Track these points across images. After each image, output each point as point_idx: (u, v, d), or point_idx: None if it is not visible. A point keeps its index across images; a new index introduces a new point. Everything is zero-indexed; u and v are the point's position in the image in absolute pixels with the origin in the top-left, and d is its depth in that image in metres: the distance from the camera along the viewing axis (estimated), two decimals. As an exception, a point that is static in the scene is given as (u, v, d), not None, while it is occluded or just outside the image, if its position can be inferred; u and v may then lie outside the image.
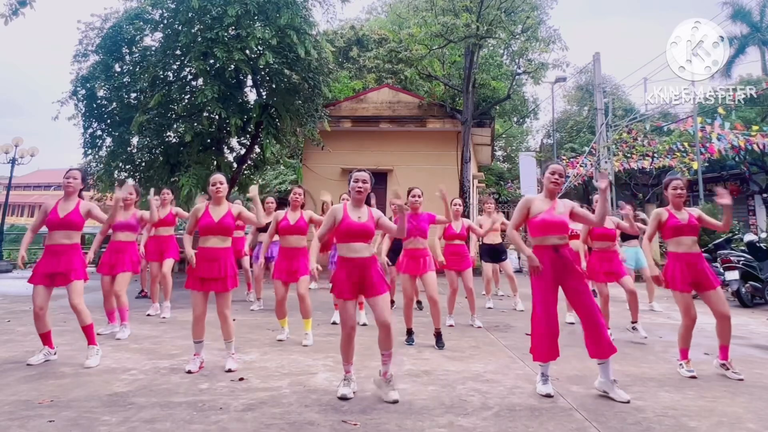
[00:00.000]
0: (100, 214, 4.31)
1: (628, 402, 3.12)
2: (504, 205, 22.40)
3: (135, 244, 5.41)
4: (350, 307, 3.26)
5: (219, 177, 4.08)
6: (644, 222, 5.91)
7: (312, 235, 5.66)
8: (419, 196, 5.00)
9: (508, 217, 8.26)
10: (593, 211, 5.02)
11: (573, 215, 3.53)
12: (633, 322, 5.14)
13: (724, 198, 3.69)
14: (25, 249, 4.16)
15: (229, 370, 3.73)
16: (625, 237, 6.35)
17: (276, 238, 5.15)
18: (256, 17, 9.93)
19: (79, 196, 4.19)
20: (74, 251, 4.03)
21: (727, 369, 3.76)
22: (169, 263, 6.26)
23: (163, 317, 6.09)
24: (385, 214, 3.59)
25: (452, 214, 5.79)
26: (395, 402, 3.08)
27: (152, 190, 5.45)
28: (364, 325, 5.72)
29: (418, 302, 7.07)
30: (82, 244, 4.23)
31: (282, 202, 6.96)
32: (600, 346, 3.22)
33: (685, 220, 3.92)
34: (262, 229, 6.83)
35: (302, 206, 5.07)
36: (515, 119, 27.75)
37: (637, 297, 5.12)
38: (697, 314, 3.82)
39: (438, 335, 4.81)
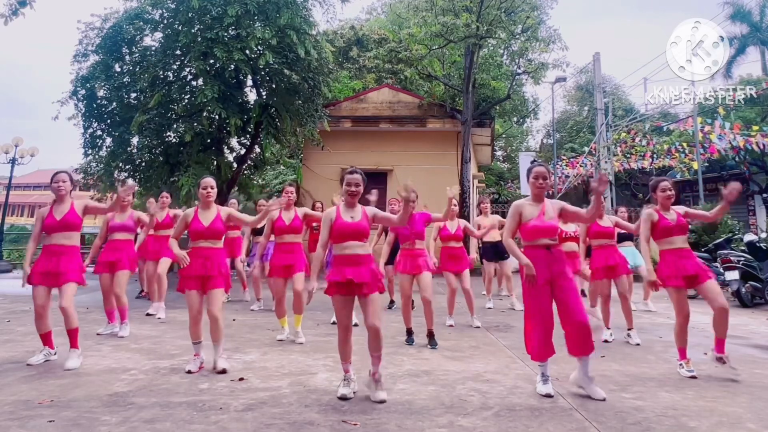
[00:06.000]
0: (97, 205, 4.33)
1: (604, 399, 3.14)
2: (504, 205, 22.40)
3: (132, 243, 5.43)
4: (345, 305, 3.26)
5: (210, 181, 4.08)
6: None
7: (306, 233, 5.70)
8: (414, 201, 4.98)
9: (503, 216, 8.27)
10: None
11: (564, 215, 3.55)
12: (628, 329, 5.07)
13: (730, 194, 3.71)
14: (29, 261, 4.10)
15: (223, 371, 3.67)
16: (620, 238, 6.36)
17: (271, 237, 5.18)
18: (256, 17, 9.93)
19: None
20: (73, 253, 4.02)
21: (724, 363, 3.73)
22: (165, 262, 6.25)
23: (159, 318, 6.08)
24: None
25: (449, 215, 5.79)
26: (382, 402, 3.08)
27: (150, 200, 5.45)
28: (356, 325, 5.71)
29: (391, 301, 7.11)
30: (81, 244, 4.23)
31: None
32: (581, 345, 3.21)
33: (674, 220, 3.96)
34: (258, 231, 6.85)
35: (296, 204, 5.08)
36: (515, 119, 27.75)
37: (629, 302, 5.09)
38: (690, 311, 3.83)
39: (430, 335, 4.78)
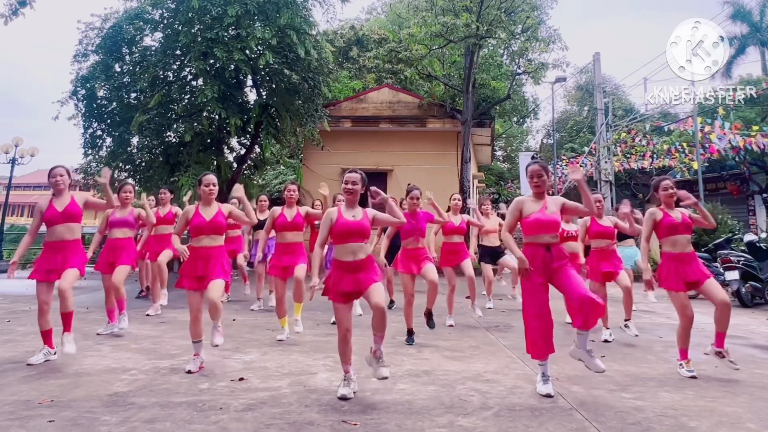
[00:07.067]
0: (97, 201, 4.39)
1: (603, 371, 3.28)
2: (504, 205, 22.40)
3: (132, 240, 5.43)
4: (344, 309, 3.27)
5: (212, 178, 4.09)
6: (639, 222, 5.90)
7: (308, 233, 5.74)
8: (417, 198, 5.03)
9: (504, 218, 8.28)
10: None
11: (565, 210, 3.56)
12: (626, 320, 5.12)
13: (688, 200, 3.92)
14: (22, 252, 4.14)
15: (216, 346, 3.89)
16: (621, 237, 6.36)
17: (272, 234, 5.20)
18: (256, 17, 9.94)
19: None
20: (76, 247, 4.05)
21: (723, 357, 3.72)
22: (166, 253, 6.29)
23: (162, 304, 6.26)
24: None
25: (451, 209, 5.84)
26: (385, 378, 3.18)
27: (143, 195, 5.49)
28: (360, 315, 5.73)
29: (391, 301, 7.12)
30: (81, 243, 4.24)
31: (275, 202, 6.99)
32: (582, 318, 3.20)
33: (679, 218, 3.94)
34: (258, 227, 6.85)
35: (297, 202, 5.09)
36: (515, 119, 27.75)
37: (631, 295, 5.11)
38: (694, 313, 3.82)
39: (428, 315, 4.92)
